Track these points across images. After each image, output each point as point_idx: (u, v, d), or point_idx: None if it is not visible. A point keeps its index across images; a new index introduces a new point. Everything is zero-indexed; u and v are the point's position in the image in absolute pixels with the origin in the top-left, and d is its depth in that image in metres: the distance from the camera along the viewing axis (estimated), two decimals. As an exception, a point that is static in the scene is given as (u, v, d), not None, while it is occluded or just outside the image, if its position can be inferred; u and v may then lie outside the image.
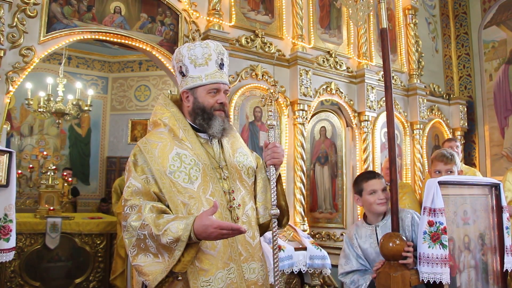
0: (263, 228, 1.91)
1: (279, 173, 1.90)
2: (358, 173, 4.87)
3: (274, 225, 1.81)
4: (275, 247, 1.81)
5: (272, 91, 1.96)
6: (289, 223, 2.83)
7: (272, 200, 1.80)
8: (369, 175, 2.49)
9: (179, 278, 1.61)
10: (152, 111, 1.95)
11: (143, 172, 1.72)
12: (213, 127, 1.81)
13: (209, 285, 1.62)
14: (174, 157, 1.74)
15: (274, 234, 1.81)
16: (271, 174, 1.83)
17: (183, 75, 1.85)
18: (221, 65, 1.85)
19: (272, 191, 1.81)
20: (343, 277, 2.39)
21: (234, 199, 1.79)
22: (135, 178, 1.70)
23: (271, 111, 1.92)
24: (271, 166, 1.83)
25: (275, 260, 1.81)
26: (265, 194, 1.89)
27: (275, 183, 1.85)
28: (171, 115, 1.86)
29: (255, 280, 1.76)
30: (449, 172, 2.79)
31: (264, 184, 1.91)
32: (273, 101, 1.95)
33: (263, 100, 1.99)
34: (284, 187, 2.47)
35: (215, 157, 1.85)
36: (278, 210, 1.81)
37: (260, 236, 1.93)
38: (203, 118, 1.81)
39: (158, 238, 1.53)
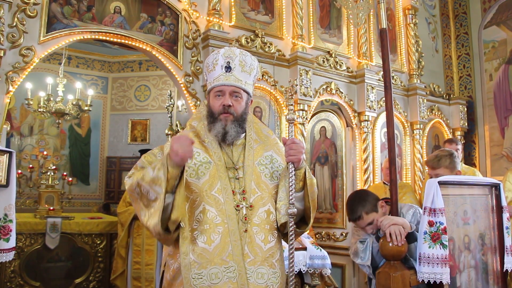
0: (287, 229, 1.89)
1: (305, 171, 1.84)
2: (358, 173, 4.89)
3: (291, 225, 1.76)
4: (291, 247, 1.77)
5: (292, 84, 1.91)
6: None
7: (290, 198, 1.76)
8: None
9: (182, 225, 1.67)
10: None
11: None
12: (213, 130, 1.85)
13: (201, 278, 1.64)
14: None
15: (291, 234, 1.76)
16: (290, 171, 1.78)
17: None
18: (227, 68, 1.85)
19: (290, 189, 1.77)
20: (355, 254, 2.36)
21: (244, 199, 1.77)
22: (141, 162, 1.85)
23: (291, 104, 1.87)
24: (290, 163, 1.78)
25: (291, 261, 1.78)
26: (285, 193, 1.84)
27: (299, 181, 1.82)
28: (201, 118, 1.95)
29: (263, 286, 1.70)
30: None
31: (286, 182, 1.86)
32: (293, 94, 1.89)
33: (285, 92, 1.94)
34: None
35: (232, 158, 1.86)
36: (295, 209, 1.76)
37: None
38: (209, 121, 1.87)
39: (145, 175, 1.64)
